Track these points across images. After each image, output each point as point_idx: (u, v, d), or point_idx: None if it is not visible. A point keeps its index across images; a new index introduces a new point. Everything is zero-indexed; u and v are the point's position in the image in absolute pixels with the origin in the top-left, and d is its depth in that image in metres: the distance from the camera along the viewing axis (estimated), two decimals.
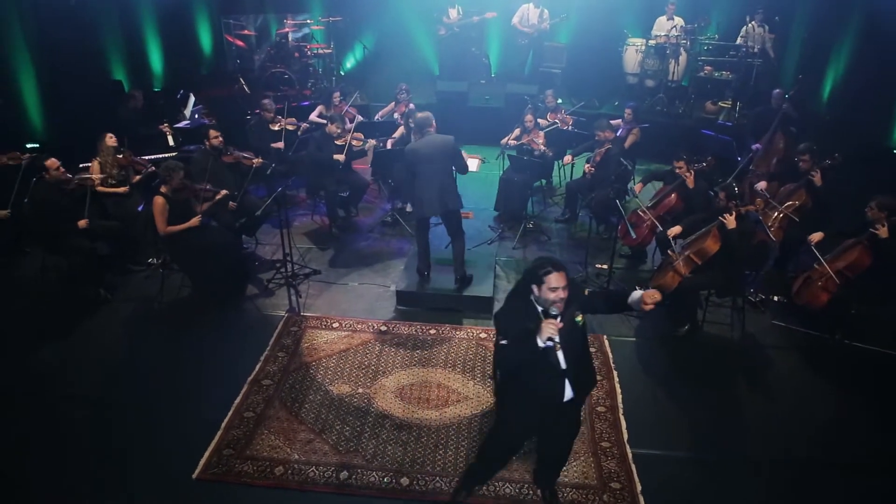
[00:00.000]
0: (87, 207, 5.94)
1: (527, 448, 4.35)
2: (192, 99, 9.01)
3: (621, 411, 4.77)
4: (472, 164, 6.60)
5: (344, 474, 4.18)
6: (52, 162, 5.83)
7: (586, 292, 3.50)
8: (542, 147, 7.59)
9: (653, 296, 3.23)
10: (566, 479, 4.15)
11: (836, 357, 5.40)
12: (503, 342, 3.19)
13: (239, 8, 11.14)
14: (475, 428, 4.60)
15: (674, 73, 10.01)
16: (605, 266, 6.43)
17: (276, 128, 7.80)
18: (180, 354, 5.34)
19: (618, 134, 7.65)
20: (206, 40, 11.24)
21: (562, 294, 3.12)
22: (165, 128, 7.90)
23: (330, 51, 11.05)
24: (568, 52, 10.83)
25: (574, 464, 4.26)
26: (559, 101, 9.20)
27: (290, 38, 10.80)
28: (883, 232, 5.14)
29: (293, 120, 8.06)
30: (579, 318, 3.31)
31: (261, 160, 6.94)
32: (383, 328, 5.69)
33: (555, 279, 3.11)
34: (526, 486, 4.11)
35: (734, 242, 5.25)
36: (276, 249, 6.63)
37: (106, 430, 4.54)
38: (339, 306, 6.03)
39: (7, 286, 6.33)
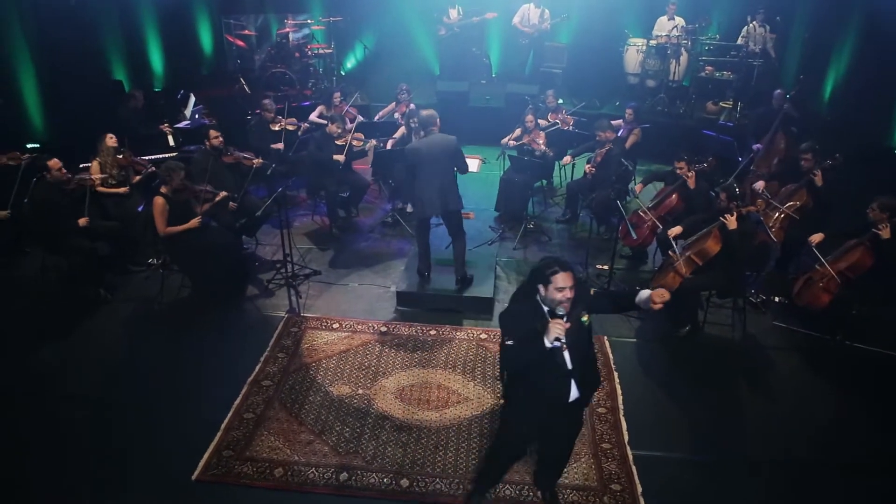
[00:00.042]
0: (87, 206, 5.94)
1: (528, 449, 4.35)
2: (192, 99, 9.00)
3: (622, 412, 4.76)
4: (473, 164, 6.59)
5: (344, 476, 4.18)
6: (54, 162, 5.83)
7: (592, 292, 3.49)
8: (543, 147, 7.59)
9: (662, 295, 3.22)
10: (567, 481, 4.14)
11: (837, 358, 5.39)
12: (509, 342, 3.17)
13: (239, 8, 11.12)
14: (475, 429, 4.59)
15: (675, 73, 9.99)
16: (605, 267, 6.42)
17: (277, 128, 7.79)
18: (180, 355, 5.34)
19: (619, 134, 7.64)
20: (206, 40, 11.24)
21: (568, 294, 3.11)
22: (166, 128, 7.90)
23: (330, 51, 11.04)
24: (569, 52, 10.81)
25: (574, 465, 4.26)
26: (560, 101, 9.19)
27: (290, 38, 10.79)
28: (885, 233, 5.13)
29: (293, 120, 8.05)
30: (585, 319, 3.30)
31: (261, 160, 6.94)
32: (383, 329, 5.69)
33: (562, 279, 3.10)
34: (526, 487, 4.10)
35: (735, 243, 5.24)
36: (277, 250, 6.62)
37: (106, 431, 4.53)
38: (340, 307, 6.03)
39: (7, 286, 6.32)
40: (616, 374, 5.16)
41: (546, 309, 3.19)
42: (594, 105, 10.03)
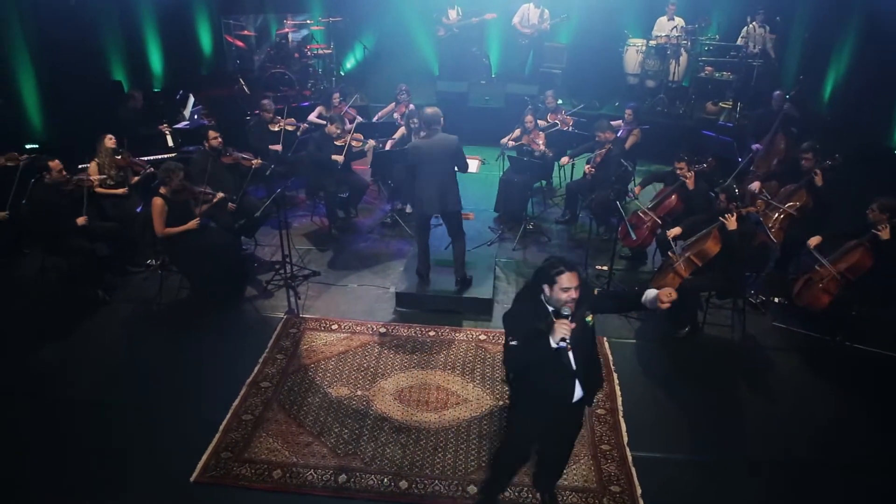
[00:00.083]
0: (86, 206, 5.93)
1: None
2: (191, 99, 9.01)
3: (621, 414, 4.75)
4: (472, 165, 6.58)
5: (342, 477, 4.17)
6: (55, 163, 5.82)
7: (595, 292, 3.48)
8: (543, 148, 7.58)
9: (670, 294, 3.22)
10: (566, 483, 4.14)
11: (837, 359, 5.39)
12: (513, 342, 3.15)
13: (239, 8, 11.12)
14: (474, 431, 4.58)
15: (674, 73, 9.99)
16: (605, 267, 6.41)
17: (276, 128, 7.79)
18: (179, 356, 5.33)
19: (618, 135, 7.63)
20: (205, 41, 11.23)
21: (574, 294, 3.10)
22: (165, 128, 7.89)
23: (330, 51, 11.04)
24: (568, 53, 10.81)
25: (574, 467, 4.25)
26: (559, 101, 9.19)
27: (290, 39, 10.79)
28: (885, 234, 5.12)
29: (292, 120, 8.04)
30: (589, 319, 3.29)
31: (260, 161, 6.94)
32: (382, 330, 5.68)
33: (567, 279, 3.09)
34: (525, 489, 4.09)
35: (735, 244, 5.23)
36: (276, 251, 6.62)
37: (104, 432, 4.52)
38: (339, 308, 6.02)
39: (6, 287, 6.32)
40: (615, 375, 5.15)
41: (551, 309, 3.18)
42: (594, 105, 10.02)
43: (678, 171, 6.30)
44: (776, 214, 6.18)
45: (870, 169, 7.36)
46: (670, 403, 4.94)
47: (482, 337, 5.62)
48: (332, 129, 7.15)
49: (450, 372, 5.17)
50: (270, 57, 10.75)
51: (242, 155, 6.91)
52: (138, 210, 6.46)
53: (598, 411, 4.75)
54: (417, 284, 6.06)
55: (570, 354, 3.22)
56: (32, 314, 5.82)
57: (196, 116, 8.82)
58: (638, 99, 9.97)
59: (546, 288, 3.16)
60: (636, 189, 6.96)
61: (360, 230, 7.53)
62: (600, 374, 3.65)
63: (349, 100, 8.70)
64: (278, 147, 7.66)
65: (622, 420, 4.69)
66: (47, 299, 6.00)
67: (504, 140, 7.85)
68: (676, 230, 5.71)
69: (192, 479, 4.13)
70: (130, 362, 5.29)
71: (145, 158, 7.05)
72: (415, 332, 5.66)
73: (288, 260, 6.18)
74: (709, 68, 10.09)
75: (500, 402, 4.85)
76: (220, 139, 6.64)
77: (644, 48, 10.19)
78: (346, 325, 5.76)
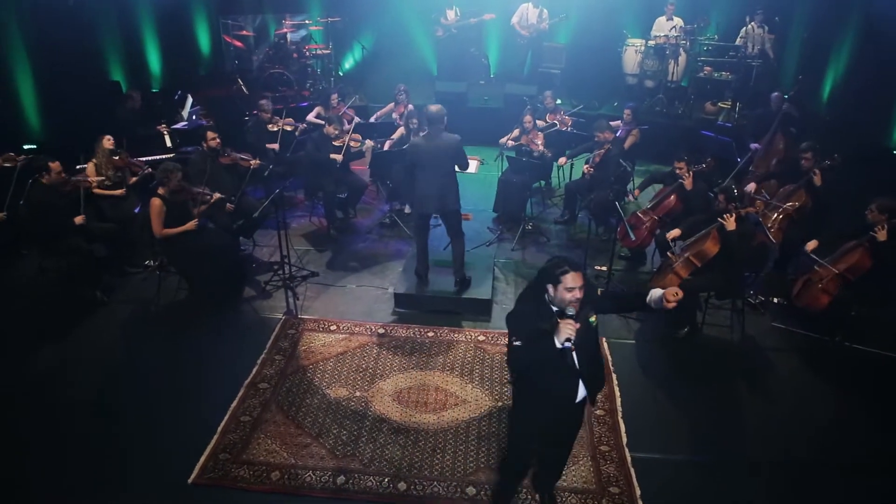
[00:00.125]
0: (83, 205, 5.91)
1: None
2: (189, 100, 8.99)
3: (620, 414, 4.74)
4: (471, 165, 6.55)
5: (341, 479, 4.16)
6: (55, 165, 5.81)
7: (599, 292, 3.47)
8: (541, 148, 7.57)
9: (676, 293, 3.20)
10: (565, 484, 4.13)
11: (836, 359, 5.39)
12: (517, 343, 3.14)
13: (237, 8, 11.11)
14: (473, 432, 4.57)
15: (673, 73, 9.98)
16: (604, 268, 6.40)
17: (274, 129, 7.77)
18: (177, 357, 5.31)
19: (617, 135, 7.63)
20: (204, 41, 11.22)
21: (578, 294, 3.09)
22: (163, 129, 7.87)
23: (329, 51, 11.03)
24: (567, 53, 10.80)
25: (573, 468, 4.24)
26: (558, 101, 9.18)
27: (288, 39, 10.77)
28: (881, 235, 5.12)
29: (290, 120, 8.03)
30: (593, 319, 3.29)
31: (258, 161, 6.92)
32: (381, 331, 5.66)
33: (571, 279, 3.08)
34: (524, 490, 4.08)
35: (733, 244, 5.23)
36: (274, 251, 6.61)
37: (103, 433, 4.51)
38: (337, 309, 6.01)
39: (4, 288, 6.30)
40: (614, 376, 5.14)
41: (555, 309, 3.17)
42: (592, 106, 10.01)
43: (677, 171, 6.29)
44: (775, 214, 6.17)
45: (869, 169, 7.35)
46: (669, 404, 4.93)
47: (481, 338, 5.61)
48: (330, 129, 7.14)
49: (448, 373, 5.16)
50: (269, 57, 10.74)
51: (241, 155, 6.90)
52: (136, 211, 6.45)
53: (597, 412, 4.74)
54: (416, 285, 6.05)
55: (574, 355, 3.21)
56: (30, 315, 5.81)
57: (194, 117, 8.81)
58: (637, 99, 9.96)
59: (550, 288, 3.15)
60: (636, 192, 6.94)
61: (359, 231, 7.52)
62: (602, 374, 3.65)
63: (348, 100, 8.68)
64: (275, 145, 7.64)
65: (621, 421, 4.68)
66: (45, 300, 5.98)
67: (503, 140, 7.84)
68: (676, 232, 5.70)
69: (190, 480, 4.12)
70: (129, 363, 5.28)
71: (143, 159, 7.03)
72: (413, 333, 5.65)
73: (286, 260, 6.16)
74: (708, 68, 10.09)
75: (499, 403, 4.84)
76: (218, 140, 6.63)
77: (643, 48, 10.19)
78: (344, 325, 5.74)
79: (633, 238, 6.16)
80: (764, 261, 6.36)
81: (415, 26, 11.62)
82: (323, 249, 7.08)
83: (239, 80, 10.20)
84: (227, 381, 4.99)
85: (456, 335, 5.63)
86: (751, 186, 6.67)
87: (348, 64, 11.96)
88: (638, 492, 4.10)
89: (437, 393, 4.94)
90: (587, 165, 7.37)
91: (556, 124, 8.17)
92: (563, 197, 7.93)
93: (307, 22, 11.16)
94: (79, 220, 5.85)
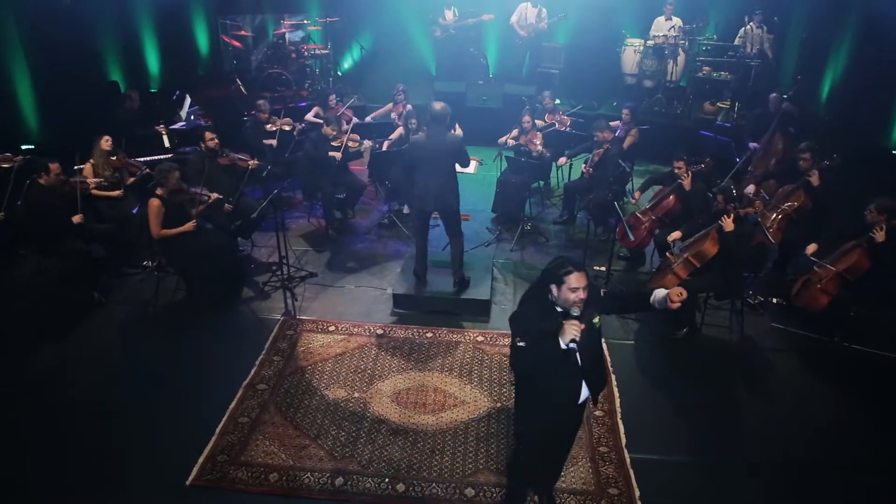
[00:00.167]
0: (80, 204, 5.89)
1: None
2: (188, 100, 8.98)
3: (619, 415, 4.73)
4: (470, 165, 6.55)
5: (339, 480, 4.15)
6: (55, 166, 5.80)
7: (602, 293, 3.47)
8: (540, 148, 7.56)
9: (680, 293, 3.19)
10: (564, 485, 4.12)
11: (835, 359, 5.38)
12: (521, 344, 3.13)
13: (236, 8, 11.09)
14: (472, 433, 4.56)
15: (672, 73, 9.98)
16: (603, 268, 6.40)
17: (272, 129, 7.76)
18: (175, 358, 5.30)
19: (616, 135, 7.62)
20: (202, 41, 11.20)
21: (582, 295, 3.08)
22: (161, 129, 7.86)
23: (327, 51, 11.01)
24: (566, 53, 10.80)
25: (572, 469, 4.23)
26: (557, 101, 9.17)
27: (287, 39, 10.75)
28: (879, 236, 5.11)
29: (288, 120, 8.02)
30: (596, 321, 3.28)
31: (257, 162, 6.91)
32: (380, 332, 5.65)
33: (575, 279, 3.07)
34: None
35: (732, 245, 5.23)
36: (272, 252, 6.59)
37: (101, 434, 4.49)
38: (336, 309, 5.99)
39: (2, 288, 6.28)
40: (613, 377, 5.13)
41: (559, 310, 3.16)
42: (591, 106, 10.00)
43: (676, 171, 6.28)
44: (774, 215, 6.16)
45: (867, 169, 7.34)
46: (668, 405, 4.92)
47: (480, 338, 5.60)
48: (328, 130, 7.13)
49: (447, 374, 5.15)
50: (267, 57, 10.72)
51: (239, 156, 6.89)
52: (135, 211, 6.44)
53: (597, 413, 4.73)
54: (415, 286, 6.03)
55: (578, 355, 3.20)
56: (28, 316, 5.79)
57: (192, 117, 8.79)
58: (636, 99, 9.96)
59: (554, 288, 3.14)
60: (636, 194, 6.93)
61: (358, 231, 7.51)
62: (605, 374, 3.64)
63: (346, 101, 8.67)
64: (273, 141, 7.63)
65: (620, 422, 4.67)
66: (43, 301, 5.96)
67: (502, 140, 7.83)
68: (677, 234, 5.69)
69: (188, 482, 4.11)
70: (126, 364, 5.26)
71: (141, 159, 7.02)
72: (412, 334, 5.64)
73: (285, 261, 6.15)
74: (706, 68, 10.08)
75: (498, 404, 4.84)
76: (216, 140, 6.61)
77: (642, 48, 10.18)
78: (343, 326, 5.73)
79: (632, 238, 6.16)
80: (763, 261, 6.36)
81: (413, 26, 11.61)
82: (321, 250, 7.07)
83: (237, 80, 10.18)
84: (225, 382, 4.98)
85: (455, 336, 5.62)
86: (750, 188, 6.66)
87: (347, 64, 11.94)
88: (637, 493, 4.09)
89: (436, 394, 4.93)
90: (585, 165, 7.36)
91: (554, 124, 8.16)
92: (562, 197, 7.93)
93: (306, 22, 11.14)
94: (77, 219, 5.83)
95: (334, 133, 7.17)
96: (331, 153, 7.03)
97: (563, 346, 3.00)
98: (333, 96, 8.38)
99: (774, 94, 7.83)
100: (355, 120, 8.41)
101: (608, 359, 5.33)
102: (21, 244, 6.65)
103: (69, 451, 4.35)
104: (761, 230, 5.80)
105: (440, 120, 5.53)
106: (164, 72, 10.40)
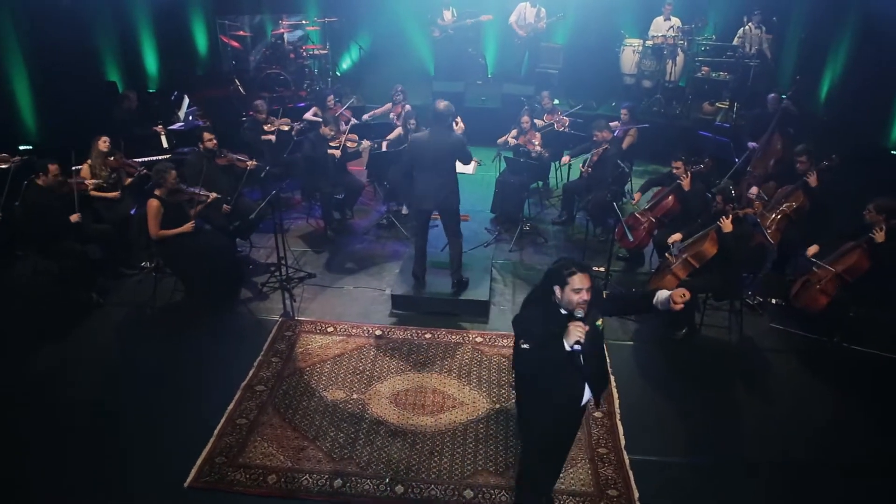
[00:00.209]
0: (77, 203, 5.87)
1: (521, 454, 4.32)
2: (186, 100, 8.96)
3: (618, 416, 4.72)
4: (470, 167, 6.54)
5: (338, 482, 4.13)
6: (54, 167, 5.78)
7: (604, 295, 3.45)
8: (539, 148, 7.54)
9: (683, 294, 3.18)
10: (563, 486, 4.11)
11: (835, 360, 5.38)
12: (525, 346, 3.11)
13: (234, 8, 11.07)
14: (471, 434, 4.55)
15: (671, 73, 9.97)
16: (602, 269, 6.38)
17: (270, 129, 7.75)
18: (173, 359, 5.28)
19: (615, 134, 7.61)
20: (201, 41, 11.18)
21: (585, 296, 3.06)
22: (160, 129, 7.85)
23: (326, 51, 10.99)
24: (564, 53, 10.79)
25: (571, 471, 4.22)
26: (556, 101, 9.15)
27: (285, 39, 10.74)
28: (879, 236, 5.11)
29: (287, 120, 8.01)
30: (600, 323, 3.27)
31: (255, 162, 6.90)
32: (378, 332, 5.64)
33: (579, 280, 3.06)
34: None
35: (731, 246, 5.22)
36: (271, 253, 6.58)
37: (99, 436, 4.48)
38: (334, 310, 5.98)
39: (0, 289, 6.26)
40: (612, 378, 5.11)
41: (564, 312, 3.15)
42: (590, 106, 9.98)
43: (675, 171, 6.28)
44: (773, 215, 6.16)
45: (866, 169, 7.35)
46: (667, 406, 4.91)
47: (479, 339, 5.59)
48: (326, 130, 7.12)
49: (446, 375, 5.14)
50: (266, 57, 10.70)
51: (237, 156, 6.87)
52: (132, 212, 6.42)
53: (595, 414, 4.72)
54: (413, 286, 6.02)
55: (581, 357, 3.19)
56: (26, 317, 5.78)
57: (191, 117, 8.78)
58: (635, 99, 9.94)
59: (557, 290, 3.13)
60: (636, 195, 6.92)
61: (356, 232, 7.49)
62: (607, 376, 3.62)
63: (345, 101, 8.66)
64: (272, 137, 7.62)
65: (619, 423, 4.66)
66: (41, 302, 5.94)
67: (501, 140, 7.82)
68: (678, 236, 5.68)
69: (186, 484, 4.09)
70: (124, 366, 5.25)
71: (139, 160, 7.00)
72: (411, 335, 5.63)
73: (283, 262, 6.13)
74: (705, 68, 10.08)
75: (497, 406, 4.83)
76: (214, 141, 6.61)
77: (640, 48, 10.18)
78: (341, 327, 5.72)
79: (631, 239, 6.15)
80: (762, 262, 6.34)
81: (412, 26, 11.59)
82: (320, 251, 7.05)
83: (236, 80, 10.16)
84: (223, 384, 4.97)
85: (453, 337, 5.61)
86: (754, 190, 6.63)
87: (345, 64, 11.93)
88: (636, 494, 4.08)
89: (435, 395, 4.92)
90: (584, 166, 7.35)
91: (552, 124, 8.15)
92: (561, 198, 7.92)
93: (304, 22, 11.12)
94: (75, 217, 5.81)
95: (332, 133, 7.16)
96: (330, 150, 7.02)
97: (567, 347, 2.98)
98: (331, 97, 8.36)
99: (773, 94, 7.82)
100: (353, 121, 8.40)
101: (607, 360, 5.30)
102: (19, 245, 6.63)
103: (67, 453, 4.34)
104: (760, 231, 5.79)
105: (443, 119, 5.49)
106: (163, 72, 10.38)
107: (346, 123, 7.92)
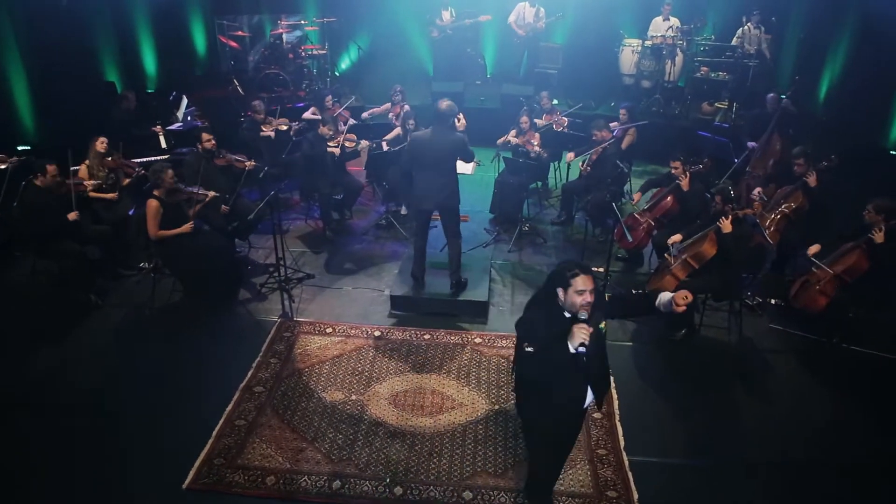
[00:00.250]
0: (74, 201, 5.86)
1: (522, 455, 4.32)
2: (185, 101, 8.95)
3: (618, 418, 4.72)
4: (468, 167, 6.54)
5: (337, 483, 4.13)
6: (52, 168, 5.76)
7: (607, 297, 3.44)
8: (537, 149, 7.53)
9: (686, 297, 3.17)
10: (562, 488, 4.10)
11: (834, 360, 5.38)
12: (529, 349, 3.10)
13: (233, 8, 11.06)
14: (470, 435, 4.54)
15: (670, 73, 9.97)
16: (601, 269, 6.37)
17: (268, 129, 7.74)
18: (172, 360, 5.27)
19: (614, 134, 7.60)
20: (199, 41, 11.16)
21: (588, 298, 3.05)
22: (158, 130, 7.84)
23: (324, 52, 10.98)
24: (564, 53, 10.78)
25: (570, 472, 4.22)
26: (555, 101, 9.15)
27: (284, 39, 10.72)
28: (878, 237, 5.10)
29: (285, 120, 8.00)
30: (603, 326, 3.26)
31: (253, 163, 6.89)
32: (377, 333, 5.63)
33: (581, 282, 3.05)
34: (521, 495, 4.05)
35: (730, 246, 5.21)
36: (269, 253, 6.56)
37: (96, 438, 4.47)
38: (333, 311, 5.97)
39: None
40: (612, 378, 5.10)
41: (568, 315, 3.13)
42: (589, 106, 9.98)
43: (673, 171, 6.27)
44: (772, 215, 6.15)
45: (866, 169, 7.35)
46: (667, 407, 4.91)
47: (478, 340, 5.58)
48: (324, 130, 7.11)
49: (445, 376, 5.13)
50: (265, 58, 10.69)
51: (236, 157, 6.86)
52: (131, 213, 6.41)
53: (595, 415, 4.71)
54: (412, 287, 6.01)
55: (585, 360, 3.18)
56: (25, 318, 5.77)
57: (189, 118, 8.77)
58: (634, 99, 9.92)
59: (560, 292, 3.12)
60: (636, 196, 6.91)
61: (355, 232, 7.48)
62: (609, 379, 3.61)
63: (344, 101, 8.65)
64: (271, 133, 7.61)
65: (619, 424, 4.65)
66: (39, 303, 5.94)
67: (501, 141, 7.81)
68: (677, 237, 5.67)
69: (184, 485, 4.08)
70: (123, 367, 5.23)
71: (137, 160, 6.99)
72: (410, 336, 5.62)
73: (282, 262, 6.12)
74: (704, 69, 10.08)
75: (496, 407, 4.82)
76: (213, 141, 6.60)
77: (640, 48, 10.18)
78: (340, 328, 5.71)
79: (630, 239, 6.14)
80: (761, 262, 6.34)
81: (411, 27, 11.58)
82: (319, 251, 7.04)
83: (234, 80, 10.15)
84: (221, 385, 4.96)
85: (452, 338, 5.60)
86: (757, 191, 6.60)
87: (344, 64, 11.91)
88: (636, 496, 4.08)
89: (434, 396, 4.91)
90: (583, 164, 7.35)
91: (551, 125, 8.14)
92: (560, 198, 7.91)
93: (303, 22, 11.10)
94: (72, 215, 5.78)
95: (331, 133, 7.15)
96: (329, 148, 7.01)
97: (572, 350, 2.98)
98: (330, 97, 8.36)
99: (772, 94, 7.82)
100: (352, 121, 8.40)
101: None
102: (17, 246, 6.61)
103: (66, 454, 4.33)
104: (759, 231, 5.79)
105: (445, 118, 5.46)
106: (161, 72, 10.37)
107: (345, 123, 7.91)
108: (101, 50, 9.31)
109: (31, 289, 6.09)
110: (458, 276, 5.93)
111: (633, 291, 6.20)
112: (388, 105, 8.60)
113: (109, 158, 6.47)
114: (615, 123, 7.97)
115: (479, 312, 5.90)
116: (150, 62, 10.24)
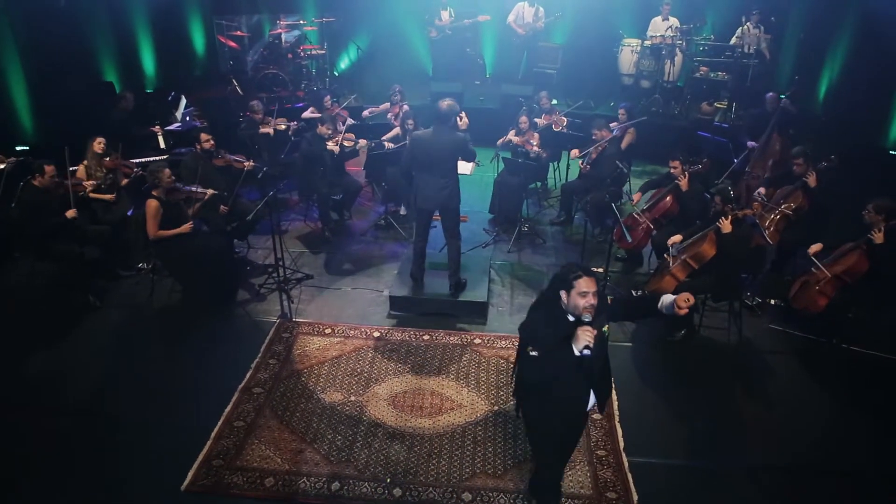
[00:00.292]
0: (73, 202, 5.84)
1: (521, 457, 4.31)
2: (183, 101, 8.93)
3: (617, 419, 4.71)
4: (468, 167, 6.53)
5: (336, 485, 4.12)
6: (50, 168, 5.75)
7: (609, 300, 3.43)
8: (537, 149, 7.52)
9: (688, 299, 3.16)
10: (562, 489, 4.08)
11: (834, 361, 5.37)
12: (533, 353, 3.08)
13: (232, 8, 11.04)
14: (469, 437, 4.53)
15: (669, 73, 9.95)
16: (600, 269, 6.36)
17: (267, 129, 7.73)
18: (170, 361, 5.27)
19: (614, 134, 7.59)
20: (198, 41, 11.14)
21: (592, 300, 3.04)
22: (157, 130, 7.82)
23: (323, 52, 10.96)
24: (563, 53, 10.77)
25: (569, 473, 4.20)
26: (554, 101, 9.14)
27: (283, 39, 10.71)
28: (878, 237, 5.09)
29: (283, 119, 7.99)
30: (606, 329, 3.25)
31: (252, 163, 6.88)
32: (376, 334, 5.62)
33: (584, 284, 3.04)
34: (520, 496, 4.05)
35: (730, 246, 5.20)
36: (268, 254, 6.55)
37: (95, 439, 4.46)
38: (332, 312, 5.96)
39: None
40: (611, 379, 5.10)
41: (571, 318, 3.12)
42: (589, 106, 9.99)
43: (672, 171, 6.25)
44: (772, 216, 6.15)
45: (865, 169, 7.34)
46: (666, 408, 4.90)
47: (477, 341, 5.57)
48: (323, 129, 7.10)
49: (444, 377, 5.12)
50: (264, 58, 10.68)
51: (234, 157, 6.85)
52: (129, 213, 6.39)
53: (594, 416, 4.70)
54: (412, 288, 6.00)
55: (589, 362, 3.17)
56: (23, 319, 5.75)
57: (188, 118, 8.75)
58: (633, 99, 9.91)
59: (563, 295, 3.11)
60: (635, 196, 6.90)
61: (354, 233, 7.47)
62: (611, 382, 3.60)
63: (343, 101, 8.63)
64: (270, 130, 7.60)
65: (618, 425, 4.64)
66: (38, 304, 5.92)
67: (501, 141, 7.80)
68: (677, 237, 5.66)
69: (183, 487, 4.07)
70: (122, 367, 5.22)
71: (136, 160, 6.98)
72: (409, 337, 5.61)
73: (281, 263, 6.11)
74: (704, 68, 10.07)
75: (496, 408, 4.81)
76: (211, 141, 6.59)
77: (639, 48, 10.17)
78: (339, 329, 5.70)
79: (630, 240, 6.13)
80: (761, 262, 6.34)
81: (410, 27, 11.57)
82: (318, 252, 7.03)
83: (233, 80, 10.13)
84: (220, 386, 4.94)
85: (452, 338, 5.59)
86: (761, 191, 6.56)
87: (343, 64, 11.90)
88: (635, 497, 4.07)
89: (433, 397, 4.90)
90: (583, 163, 7.34)
91: (551, 125, 8.12)
92: (560, 198, 7.90)
93: (302, 22, 11.08)
94: (71, 213, 5.76)
95: (329, 132, 7.14)
96: (329, 146, 7.01)
97: (576, 352, 2.96)
98: (328, 97, 8.35)
99: (771, 94, 7.81)
100: (350, 121, 8.38)
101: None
102: (16, 246, 6.60)
103: (64, 456, 4.32)
104: (759, 231, 5.78)
105: (446, 118, 5.42)
106: (160, 72, 10.35)
107: (343, 123, 7.90)
108: (100, 50, 9.29)
109: (30, 290, 6.07)
110: (458, 276, 5.92)
111: (633, 292, 6.22)
112: (388, 105, 8.58)
113: (108, 159, 6.46)
114: (614, 124, 7.96)
115: (478, 313, 5.89)
116: (148, 62, 10.22)
